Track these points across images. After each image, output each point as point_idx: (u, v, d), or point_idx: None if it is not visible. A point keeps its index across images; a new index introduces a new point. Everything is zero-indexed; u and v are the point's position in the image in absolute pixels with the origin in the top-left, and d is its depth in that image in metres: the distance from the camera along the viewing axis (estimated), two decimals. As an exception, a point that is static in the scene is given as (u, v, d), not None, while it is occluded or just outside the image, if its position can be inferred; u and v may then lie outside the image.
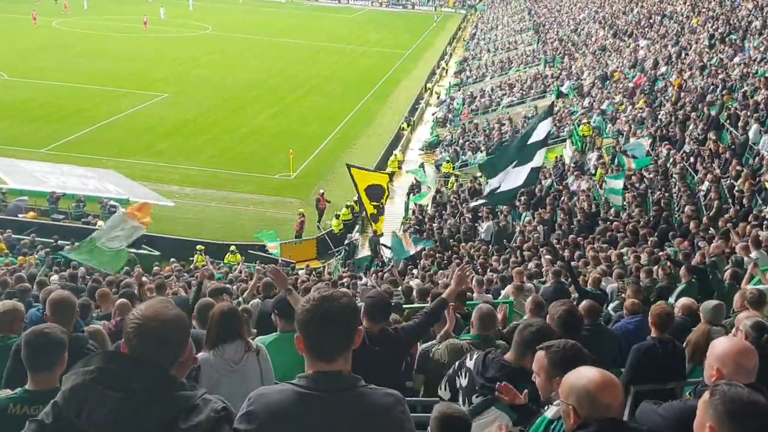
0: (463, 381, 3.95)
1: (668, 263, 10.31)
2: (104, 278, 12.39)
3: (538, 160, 13.72)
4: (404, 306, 8.52)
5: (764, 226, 12.09)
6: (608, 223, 16.53)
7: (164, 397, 2.35)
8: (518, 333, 3.86)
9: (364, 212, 19.62)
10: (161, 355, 2.40)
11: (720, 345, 3.18)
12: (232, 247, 22.79)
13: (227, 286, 10.56)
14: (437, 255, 17.94)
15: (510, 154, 13.80)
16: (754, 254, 9.64)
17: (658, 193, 17.78)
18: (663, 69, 31.81)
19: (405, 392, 5.02)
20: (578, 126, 29.69)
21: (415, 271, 16.80)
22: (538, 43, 56.28)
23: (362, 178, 17.27)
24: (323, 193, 27.06)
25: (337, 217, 25.77)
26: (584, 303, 6.28)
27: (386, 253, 20.87)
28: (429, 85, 52.34)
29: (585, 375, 2.60)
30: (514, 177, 13.54)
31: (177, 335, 2.45)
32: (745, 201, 14.72)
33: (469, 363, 3.94)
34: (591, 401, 2.51)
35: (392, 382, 3.00)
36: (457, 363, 4.10)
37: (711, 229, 13.39)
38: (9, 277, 10.88)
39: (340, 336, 2.49)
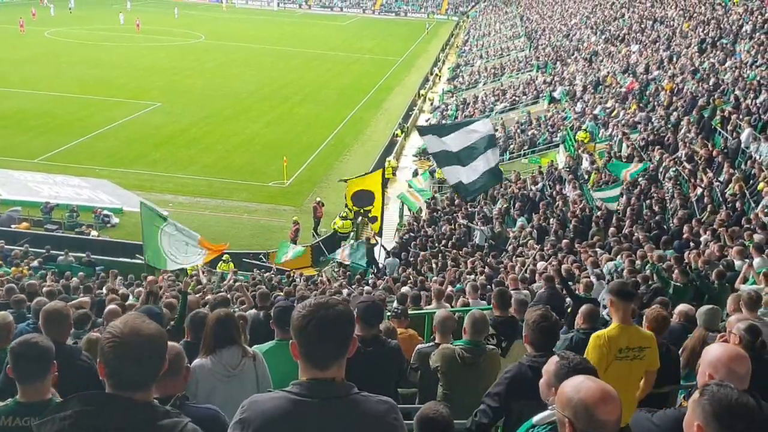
0: None
1: (668, 266, 10.32)
2: (100, 287, 12.36)
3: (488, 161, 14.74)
4: (410, 312, 8.46)
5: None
6: (599, 226, 16.59)
7: (147, 431, 2.31)
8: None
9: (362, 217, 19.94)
10: (140, 371, 2.35)
11: (712, 351, 3.17)
12: (225, 256, 22.69)
13: (227, 296, 10.51)
14: (432, 260, 17.92)
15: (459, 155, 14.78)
16: (757, 261, 9.63)
17: (652, 197, 17.83)
18: (655, 73, 31.96)
19: (398, 400, 5.02)
20: (572, 131, 29.77)
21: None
22: (530, 49, 56.47)
23: (353, 185, 17.67)
24: (320, 201, 27.08)
25: (344, 218, 25.58)
26: (584, 307, 6.27)
27: (381, 261, 20.91)
28: (422, 92, 52.45)
29: (583, 387, 2.48)
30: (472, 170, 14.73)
31: (155, 351, 2.40)
32: (737, 205, 14.77)
33: None
34: (588, 416, 2.42)
35: (385, 389, 2.99)
36: None
37: (703, 233, 13.40)
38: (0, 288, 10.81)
39: (335, 343, 2.48)
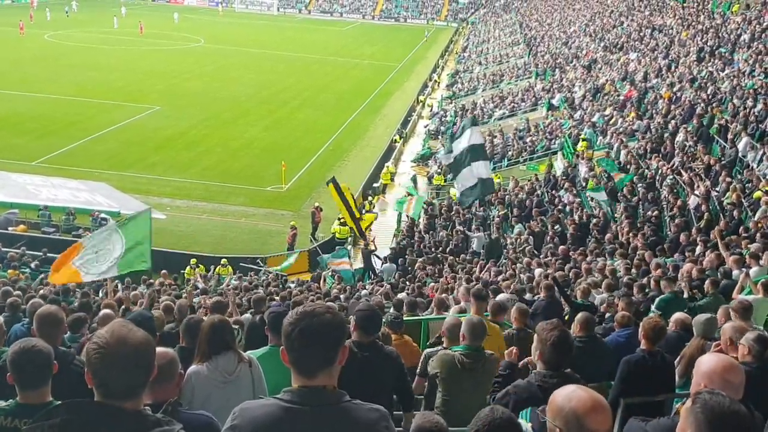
0: None
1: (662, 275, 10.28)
2: (93, 292, 12.32)
3: (482, 171, 18.04)
4: (406, 319, 8.43)
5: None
6: (597, 233, 16.58)
7: None
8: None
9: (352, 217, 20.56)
10: (128, 381, 2.33)
11: (706, 362, 3.16)
12: (223, 260, 22.70)
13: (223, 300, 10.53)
14: (428, 267, 17.90)
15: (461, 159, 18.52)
16: (754, 269, 9.61)
17: (648, 204, 17.84)
18: (653, 82, 32.01)
19: (393, 407, 4.99)
20: (570, 139, 29.80)
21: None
22: (529, 56, 56.57)
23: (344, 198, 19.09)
24: (319, 206, 27.07)
25: (344, 224, 25.52)
26: (580, 315, 6.27)
27: (377, 265, 20.92)
28: (421, 98, 52.50)
29: (575, 397, 2.49)
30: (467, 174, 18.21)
31: (143, 359, 2.37)
32: (735, 214, 14.77)
33: None
34: (579, 426, 2.42)
35: (380, 394, 2.98)
36: None
37: (700, 241, 13.39)
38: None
39: (320, 352, 2.46)
